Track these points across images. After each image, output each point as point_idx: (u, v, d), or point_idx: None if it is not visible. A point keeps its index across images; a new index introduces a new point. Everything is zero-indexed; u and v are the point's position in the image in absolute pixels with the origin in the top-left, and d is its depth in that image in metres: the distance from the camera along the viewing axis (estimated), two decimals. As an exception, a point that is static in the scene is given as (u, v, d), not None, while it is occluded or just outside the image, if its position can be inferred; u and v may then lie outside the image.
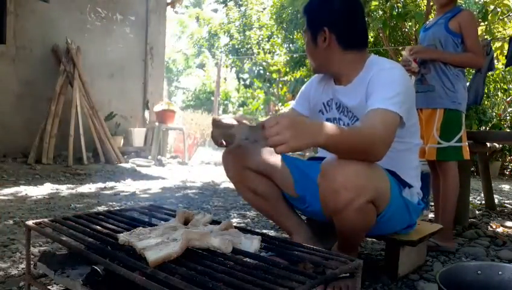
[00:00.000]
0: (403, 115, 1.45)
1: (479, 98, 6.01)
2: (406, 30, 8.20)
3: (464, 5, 9.91)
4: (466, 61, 2.37)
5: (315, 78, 1.86)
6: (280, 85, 16.21)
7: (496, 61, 6.59)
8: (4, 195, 3.50)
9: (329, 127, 1.26)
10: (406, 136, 1.60)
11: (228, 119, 1.51)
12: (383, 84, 1.49)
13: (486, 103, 7.43)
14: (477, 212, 3.22)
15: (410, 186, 1.66)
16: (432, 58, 2.40)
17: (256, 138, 1.25)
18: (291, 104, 2.03)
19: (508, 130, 6.68)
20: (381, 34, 7.71)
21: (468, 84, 2.43)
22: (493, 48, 6.28)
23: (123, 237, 1.23)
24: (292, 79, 13.32)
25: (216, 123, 1.51)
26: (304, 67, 11.82)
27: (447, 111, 2.35)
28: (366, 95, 1.53)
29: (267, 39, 14.62)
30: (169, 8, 7.73)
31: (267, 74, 15.64)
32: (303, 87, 1.90)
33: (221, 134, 1.51)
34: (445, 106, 2.35)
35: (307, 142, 1.20)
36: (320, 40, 1.61)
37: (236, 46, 16.68)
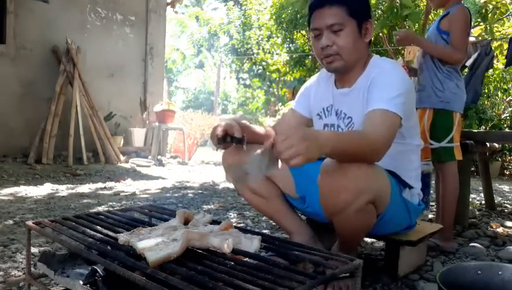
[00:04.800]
0: (403, 116, 1.45)
1: (476, 97, 6.03)
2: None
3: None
4: (443, 54, 2.35)
5: (315, 80, 1.85)
6: (280, 85, 16.21)
7: (495, 60, 6.60)
8: (4, 195, 3.50)
9: (334, 136, 1.26)
10: (407, 137, 1.61)
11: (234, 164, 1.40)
12: (384, 85, 1.49)
13: (486, 102, 7.42)
14: (477, 212, 3.21)
15: (410, 187, 1.66)
16: (414, 44, 2.44)
17: (268, 163, 1.21)
18: (291, 104, 2.03)
19: (508, 130, 6.67)
20: (380, 34, 7.71)
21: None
22: (493, 48, 6.29)
23: (123, 237, 1.23)
24: (292, 79, 13.32)
25: (228, 168, 1.39)
26: (304, 67, 11.82)
27: (436, 111, 2.36)
28: (367, 95, 1.54)
29: (266, 39, 14.61)
30: (169, 8, 7.73)
31: (267, 73, 15.64)
32: (303, 88, 1.89)
33: (237, 178, 1.39)
34: (433, 105, 2.36)
35: (317, 153, 1.20)
36: (364, 30, 1.58)
37: (236, 46, 16.66)
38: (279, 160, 1.18)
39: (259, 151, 1.22)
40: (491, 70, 6.44)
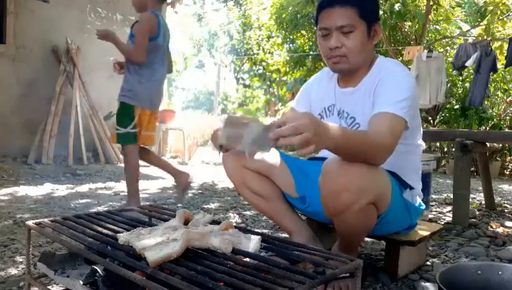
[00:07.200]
0: (408, 120, 1.46)
1: (481, 100, 6.02)
2: (406, 30, 8.20)
3: (463, 5, 9.95)
4: (125, 51, 2.79)
5: (316, 79, 1.85)
6: (280, 85, 16.22)
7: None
8: (4, 195, 3.50)
9: (340, 131, 1.25)
10: (408, 138, 1.60)
11: (239, 118, 1.38)
12: (392, 87, 1.49)
13: (486, 102, 7.43)
14: (477, 212, 3.21)
15: (411, 187, 1.66)
16: (112, 42, 2.80)
17: (265, 142, 1.15)
18: (291, 103, 2.02)
19: (508, 130, 6.68)
20: (381, 34, 7.74)
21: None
22: (493, 48, 6.29)
23: (123, 237, 1.23)
24: (292, 79, 13.33)
25: (231, 120, 1.29)
26: (304, 67, 11.82)
27: (121, 103, 2.91)
28: (373, 96, 1.54)
29: (266, 39, 14.62)
30: (169, 8, 7.72)
31: (267, 73, 15.65)
32: (304, 87, 1.89)
33: (230, 136, 1.28)
34: (119, 99, 2.93)
35: (323, 145, 1.19)
36: (373, 31, 1.58)
37: (236, 46, 16.67)
38: (280, 143, 1.13)
39: (262, 124, 1.17)
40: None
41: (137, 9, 2.88)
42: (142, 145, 3.05)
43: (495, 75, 7.36)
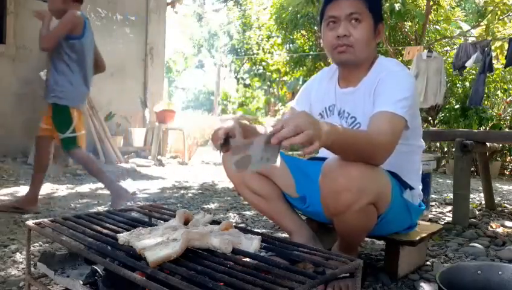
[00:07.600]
0: (408, 119, 1.46)
1: (478, 99, 6.05)
2: (406, 30, 8.20)
3: (463, 5, 9.96)
4: (40, 36, 2.82)
5: (316, 79, 1.85)
6: (280, 85, 16.22)
7: (495, 60, 6.61)
8: (4, 195, 3.50)
9: (336, 128, 1.25)
10: (410, 138, 1.60)
11: (238, 133, 1.38)
12: (392, 87, 1.49)
13: (486, 102, 7.43)
14: (477, 212, 3.21)
15: (411, 188, 1.66)
16: (43, 22, 2.82)
17: (271, 151, 1.16)
18: (291, 103, 2.02)
19: (508, 130, 6.68)
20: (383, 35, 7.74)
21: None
22: (493, 48, 6.29)
23: (123, 237, 1.23)
24: (292, 79, 13.33)
25: (235, 145, 1.26)
26: (304, 67, 11.82)
27: (53, 106, 2.79)
28: (373, 96, 1.54)
29: (266, 39, 14.63)
30: (169, 8, 7.72)
31: (267, 73, 15.65)
32: (304, 87, 1.89)
33: (238, 161, 1.24)
34: (49, 100, 2.81)
35: (321, 142, 1.19)
36: (378, 30, 1.60)
37: (236, 46, 16.67)
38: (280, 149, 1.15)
39: (262, 139, 1.18)
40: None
41: (56, 13, 2.83)
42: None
43: (495, 75, 7.37)
